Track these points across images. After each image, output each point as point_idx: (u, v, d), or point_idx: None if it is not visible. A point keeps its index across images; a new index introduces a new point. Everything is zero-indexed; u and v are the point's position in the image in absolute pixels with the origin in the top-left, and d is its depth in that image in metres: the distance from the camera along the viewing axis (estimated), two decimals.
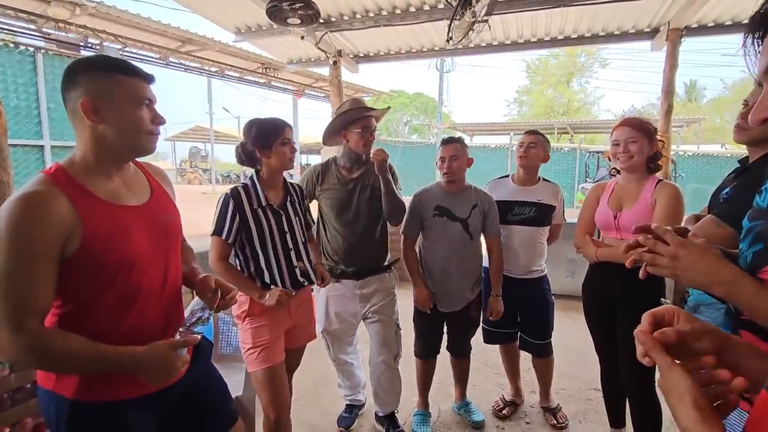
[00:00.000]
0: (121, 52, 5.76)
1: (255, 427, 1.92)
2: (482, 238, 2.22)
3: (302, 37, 4.02)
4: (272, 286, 1.70)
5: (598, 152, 12.08)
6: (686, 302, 1.65)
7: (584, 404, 2.56)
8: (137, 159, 1.11)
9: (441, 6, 3.63)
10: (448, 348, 2.35)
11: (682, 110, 23.25)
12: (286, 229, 1.74)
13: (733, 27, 3.79)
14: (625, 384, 1.83)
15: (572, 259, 4.02)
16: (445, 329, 2.29)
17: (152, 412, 1.07)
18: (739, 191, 1.33)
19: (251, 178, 1.73)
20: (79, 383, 0.97)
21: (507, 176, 2.35)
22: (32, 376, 1.46)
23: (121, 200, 1.02)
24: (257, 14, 3.82)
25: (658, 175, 1.82)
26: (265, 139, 1.67)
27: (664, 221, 1.57)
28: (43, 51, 5.56)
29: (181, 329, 1.11)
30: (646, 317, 0.67)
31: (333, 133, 2.12)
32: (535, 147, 2.20)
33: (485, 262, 2.25)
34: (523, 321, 2.33)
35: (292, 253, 1.76)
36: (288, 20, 3.34)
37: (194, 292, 1.23)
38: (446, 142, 2.12)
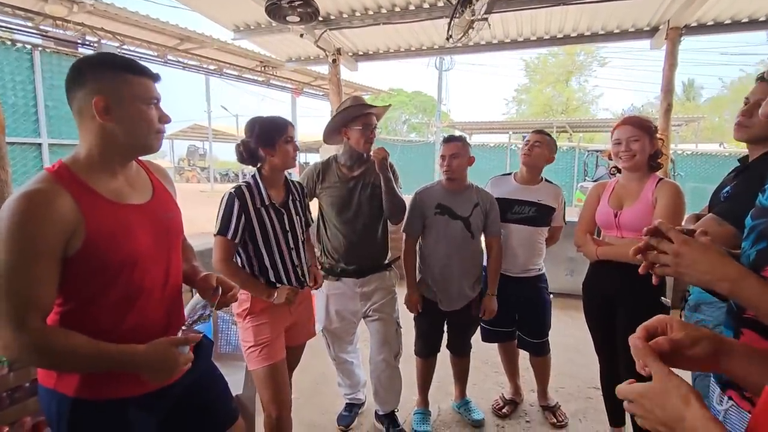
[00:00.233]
0: (119, 50, 5.74)
1: (255, 426, 1.92)
2: (483, 237, 2.21)
3: (301, 35, 4.02)
4: (278, 285, 1.71)
5: (596, 151, 12.09)
6: (687, 301, 1.65)
7: (584, 403, 2.56)
8: (140, 157, 1.11)
9: (441, 4, 3.62)
10: (448, 346, 2.35)
11: (681, 109, 23.27)
12: (288, 228, 1.74)
13: (733, 26, 3.80)
14: None
15: (572, 257, 4.03)
16: (445, 328, 2.29)
17: (153, 410, 1.07)
18: (740, 189, 1.33)
19: (254, 176, 1.73)
20: (80, 381, 0.97)
21: (509, 174, 2.34)
22: (31, 374, 1.45)
23: (124, 198, 1.02)
24: (256, 12, 3.81)
25: (659, 173, 1.82)
26: (269, 137, 1.67)
27: (664, 220, 1.57)
28: (40, 48, 5.53)
29: (183, 327, 1.10)
30: (639, 330, 0.68)
31: (333, 131, 2.11)
32: (540, 147, 2.19)
33: (485, 261, 2.25)
34: (521, 319, 2.33)
35: (293, 252, 1.76)
36: (287, 18, 3.33)
37: (194, 290, 1.23)
38: (447, 140, 2.11)
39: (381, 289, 2.13)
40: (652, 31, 4.02)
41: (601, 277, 1.88)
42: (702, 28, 3.87)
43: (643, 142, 1.73)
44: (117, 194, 1.00)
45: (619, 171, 1.88)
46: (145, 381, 0.98)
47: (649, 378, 0.61)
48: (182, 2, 3.89)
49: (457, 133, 15.02)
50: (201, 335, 1.06)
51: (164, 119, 1.04)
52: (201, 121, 20.45)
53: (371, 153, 2.01)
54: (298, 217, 1.79)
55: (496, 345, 2.47)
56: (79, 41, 5.64)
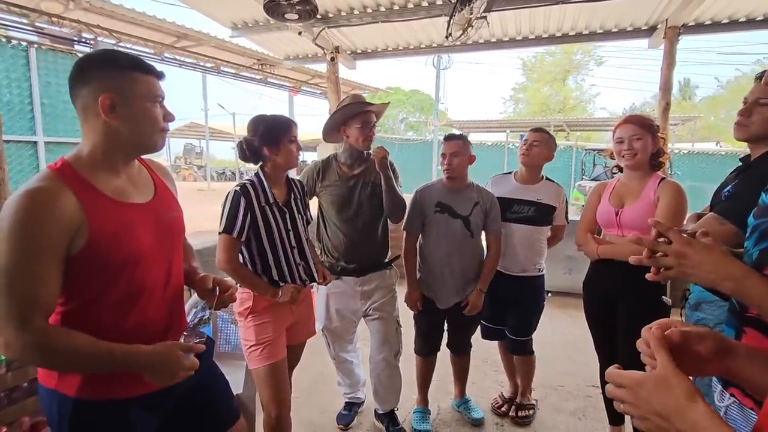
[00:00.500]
0: (115, 48, 5.70)
1: (255, 425, 1.92)
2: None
3: (300, 33, 4.00)
4: (281, 284, 1.71)
5: (594, 150, 12.11)
6: (687, 300, 1.66)
7: (583, 401, 2.57)
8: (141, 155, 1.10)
9: (439, 2, 3.62)
10: (448, 345, 2.35)
11: (677, 108, 23.37)
12: (290, 226, 1.73)
13: (731, 25, 3.81)
14: None
15: (570, 256, 4.04)
16: (445, 326, 2.29)
17: (155, 410, 1.06)
18: (742, 189, 1.34)
19: (257, 174, 1.72)
20: (82, 381, 0.96)
21: (510, 173, 2.34)
22: (29, 374, 1.44)
23: (127, 197, 1.01)
24: (254, 9, 3.79)
25: (659, 173, 1.83)
26: (274, 137, 1.66)
27: (666, 219, 1.57)
28: (36, 46, 5.48)
29: (185, 332, 1.10)
30: (644, 331, 0.67)
31: (333, 129, 2.10)
32: (539, 146, 2.17)
33: None
34: (509, 315, 2.31)
35: (296, 251, 1.75)
36: (286, 16, 3.32)
37: (191, 290, 1.22)
38: (448, 138, 2.10)
39: (381, 288, 2.13)
40: (651, 30, 4.03)
41: (602, 275, 1.88)
42: (700, 28, 3.89)
43: (645, 141, 1.73)
44: (119, 193, 0.99)
45: (620, 170, 1.88)
46: (147, 381, 0.97)
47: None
48: None
49: (456, 131, 15.00)
50: (204, 346, 1.04)
51: (168, 117, 1.04)
52: (198, 120, 20.35)
53: (371, 151, 2.01)
54: (299, 215, 1.79)
55: (495, 344, 2.48)
56: (75, 38, 5.59)
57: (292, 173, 1.88)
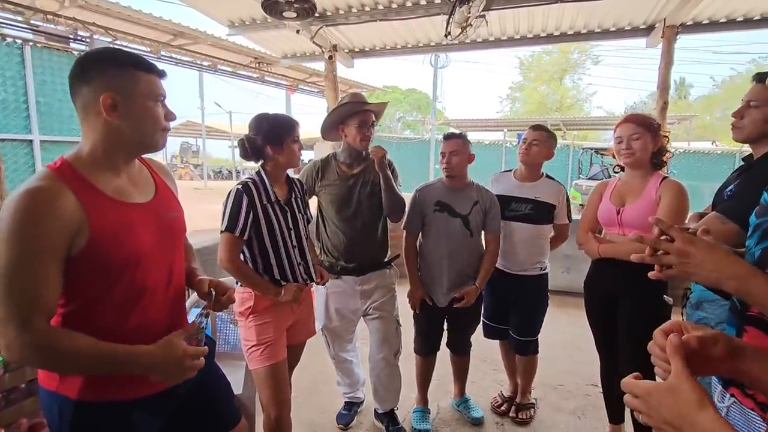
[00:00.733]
0: (112, 45, 5.66)
1: (255, 425, 1.91)
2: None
3: (297, 32, 3.98)
4: (283, 283, 1.70)
5: (591, 149, 12.15)
6: (688, 299, 1.66)
7: (583, 400, 2.58)
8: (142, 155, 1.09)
9: (438, 1, 3.61)
10: (448, 345, 2.35)
11: (673, 107, 23.43)
12: (291, 225, 1.73)
13: (728, 24, 3.82)
14: None
15: (568, 255, 4.05)
16: (445, 326, 2.28)
17: (158, 411, 1.05)
18: (744, 188, 1.34)
19: (259, 173, 1.71)
20: (83, 383, 0.95)
21: (510, 171, 2.33)
22: (27, 375, 1.43)
23: (127, 197, 1.00)
24: (252, 7, 3.77)
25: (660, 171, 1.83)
26: (278, 136, 1.66)
27: (668, 218, 1.57)
28: (31, 43, 5.43)
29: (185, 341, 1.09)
30: (657, 333, 0.68)
31: (331, 128, 2.10)
32: (538, 145, 2.15)
33: None
34: (512, 315, 2.31)
35: (297, 250, 1.74)
36: (284, 14, 3.31)
37: (189, 291, 1.22)
38: (448, 137, 2.09)
39: (381, 287, 2.13)
40: (648, 30, 4.04)
41: (604, 275, 1.88)
42: (698, 27, 3.90)
43: (644, 140, 1.73)
44: (120, 192, 0.98)
45: (622, 169, 1.88)
46: (150, 382, 0.96)
47: (653, 373, 0.61)
48: None
49: (453, 130, 14.99)
50: (207, 350, 1.03)
51: (170, 117, 1.03)
52: (194, 118, 20.27)
53: (369, 150, 2.00)
54: (300, 214, 1.78)
55: (495, 343, 2.48)
56: (70, 36, 5.55)
57: (291, 172, 1.87)
